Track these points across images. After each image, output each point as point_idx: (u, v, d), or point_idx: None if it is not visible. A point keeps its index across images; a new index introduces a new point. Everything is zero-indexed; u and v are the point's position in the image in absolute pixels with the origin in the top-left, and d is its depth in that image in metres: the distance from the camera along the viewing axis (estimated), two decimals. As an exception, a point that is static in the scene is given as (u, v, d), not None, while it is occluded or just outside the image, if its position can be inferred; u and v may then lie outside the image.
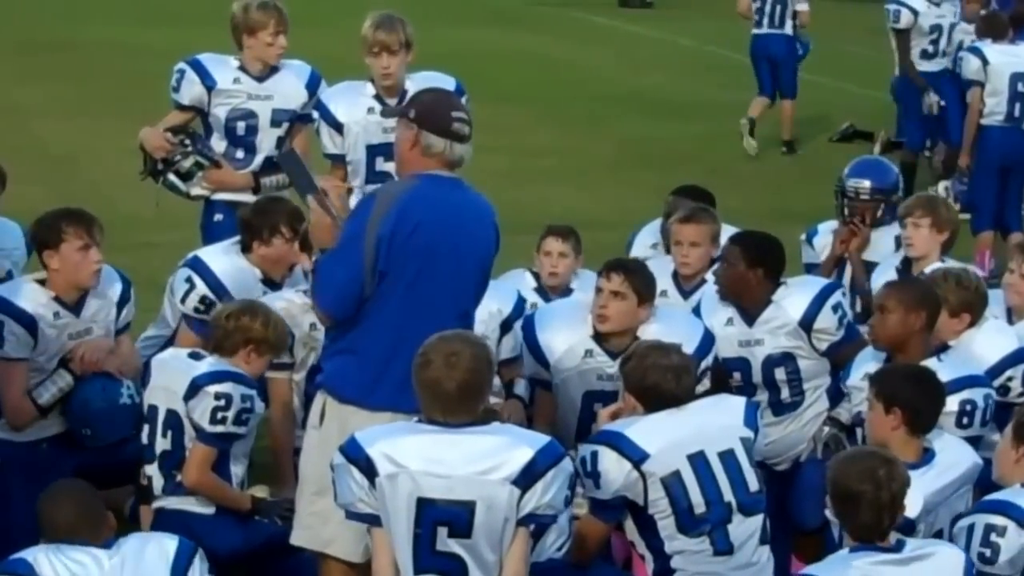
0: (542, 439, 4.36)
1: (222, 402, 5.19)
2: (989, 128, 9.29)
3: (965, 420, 5.24)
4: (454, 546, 4.26)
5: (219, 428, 5.22)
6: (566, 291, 6.30)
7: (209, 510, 5.27)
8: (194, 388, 5.24)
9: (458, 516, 4.25)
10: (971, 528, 4.54)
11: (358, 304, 4.70)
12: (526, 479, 4.25)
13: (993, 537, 4.49)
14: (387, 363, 4.67)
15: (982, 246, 9.23)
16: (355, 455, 4.31)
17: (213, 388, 5.21)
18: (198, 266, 6.00)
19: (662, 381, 4.80)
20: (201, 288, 5.93)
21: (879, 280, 6.38)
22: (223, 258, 6.02)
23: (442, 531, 4.25)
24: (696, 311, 5.92)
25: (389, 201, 4.71)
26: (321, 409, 4.81)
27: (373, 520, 4.33)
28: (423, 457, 4.27)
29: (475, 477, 4.24)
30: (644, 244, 6.66)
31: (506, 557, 4.29)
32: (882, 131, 12.60)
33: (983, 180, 9.42)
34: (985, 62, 9.34)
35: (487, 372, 4.36)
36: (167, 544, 4.27)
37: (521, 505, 4.26)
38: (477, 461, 4.26)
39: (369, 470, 4.28)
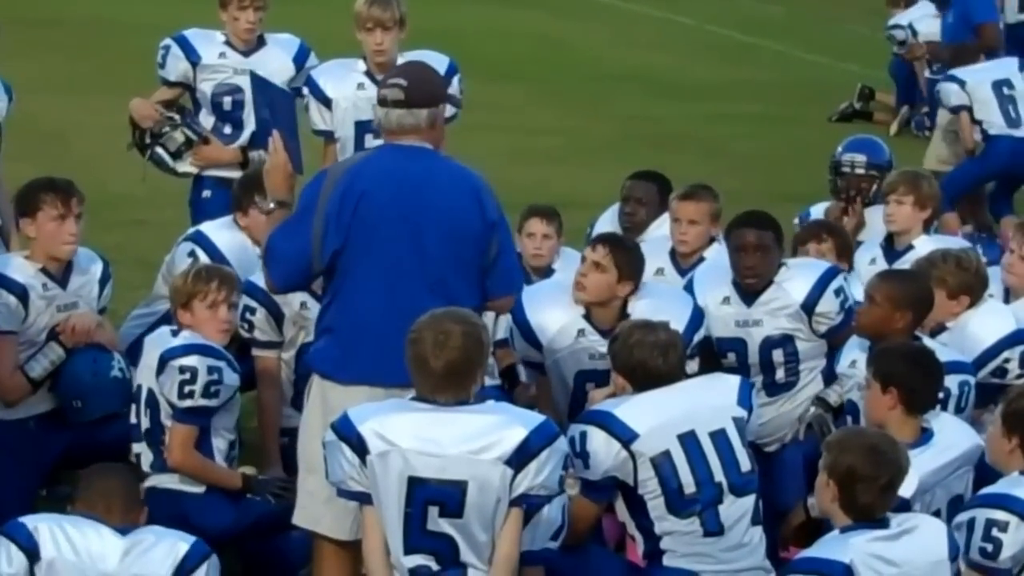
0: (536, 418, 4.31)
1: (187, 375, 5.14)
2: (998, 138, 9.16)
3: (937, 407, 5.14)
4: (445, 526, 4.21)
5: (188, 402, 5.17)
6: (548, 271, 6.26)
7: (199, 489, 5.23)
8: (162, 363, 5.21)
9: (450, 496, 4.20)
10: (972, 523, 4.50)
11: (307, 278, 4.73)
12: (519, 459, 4.20)
13: (995, 532, 4.45)
14: (357, 337, 4.63)
15: (952, 227, 9.15)
16: (346, 432, 4.26)
17: (178, 362, 5.17)
18: (201, 240, 5.98)
19: (648, 358, 4.75)
20: (204, 261, 5.85)
21: (863, 256, 6.39)
22: (225, 233, 6.01)
23: (433, 511, 4.21)
24: (688, 287, 5.86)
25: (336, 177, 4.68)
26: (310, 386, 4.80)
27: (364, 498, 4.28)
28: (415, 436, 4.22)
29: (467, 456, 4.19)
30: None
31: (498, 538, 4.24)
32: (904, 107, 12.40)
33: (972, 177, 9.29)
34: (962, 84, 9.25)
35: (477, 353, 4.29)
36: (180, 545, 4.21)
37: (514, 485, 4.21)
38: (470, 440, 4.21)
39: (360, 448, 4.23)
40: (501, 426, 4.23)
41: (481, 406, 4.30)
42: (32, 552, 4.10)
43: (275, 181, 4.80)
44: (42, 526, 4.14)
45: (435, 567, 4.23)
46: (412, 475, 4.19)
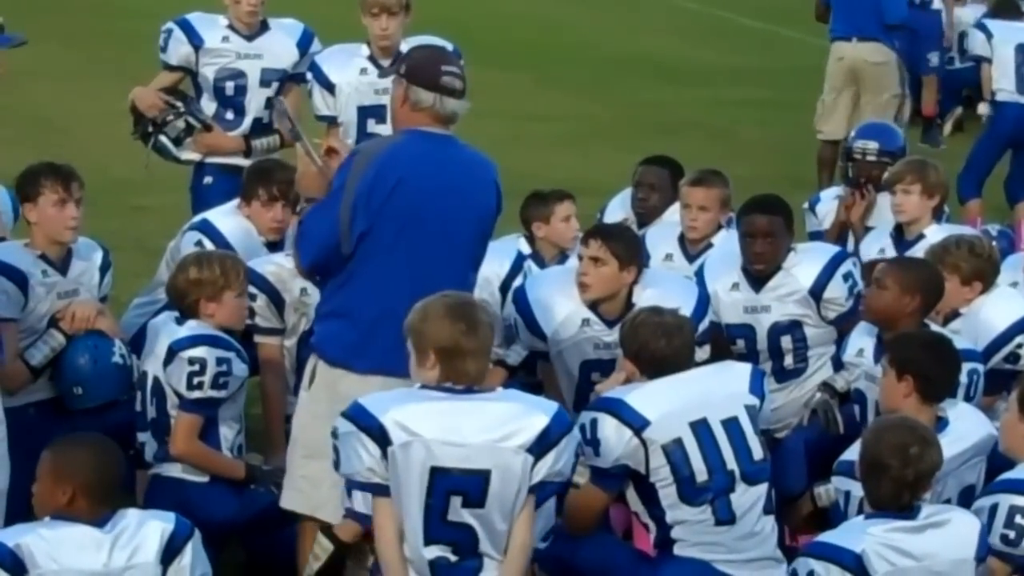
0: (553, 405, 4.26)
1: (196, 367, 5.11)
2: (1005, 104, 9.21)
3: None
4: (467, 516, 4.15)
5: (197, 394, 5.13)
6: (564, 255, 6.22)
7: (203, 478, 5.19)
8: (171, 354, 5.18)
9: (473, 485, 4.13)
10: (994, 508, 4.43)
11: (335, 261, 4.64)
12: (540, 446, 4.15)
13: (1018, 519, 4.39)
14: (376, 325, 4.57)
15: (972, 215, 9.13)
16: (367, 423, 4.16)
17: (187, 353, 5.14)
18: (207, 228, 5.94)
19: (651, 339, 4.70)
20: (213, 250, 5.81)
21: (872, 246, 6.36)
22: (230, 220, 5.98)
23: (455, 501, 4.14)
24: (699, 273, 5.82)
25: (368, 158, 4.62)
26: (312, 371, 4.73)
27: (379, 490, 4.19)
28: (438, 425, 4.14)
29: (491, 445, 4.13)
30: (614, 219, 6.52)
31: (515, 525, 4.18)
32: (959, 108, 12.25)
33: (988, 150, 9.36)
34: (989, 35, 9.27)
35: (491, 337, 4.25)
36: (164, 527, 4.08)
37: (533, 473, 4.16)
38: (493, 429, 4.15)
39: (382, 439, 4.14)
40: (523, 414, 4.17)
41: (498, 394, 4.24)
42: (19, 572, 3.95)
43: (307, 185, 4.77)
44: (23, 542, 3.98)
45: (453, 558, 4.17)
46: (435, 465, 4.12)
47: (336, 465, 4.25)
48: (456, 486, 4.13)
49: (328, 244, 4.59)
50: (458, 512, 4.13)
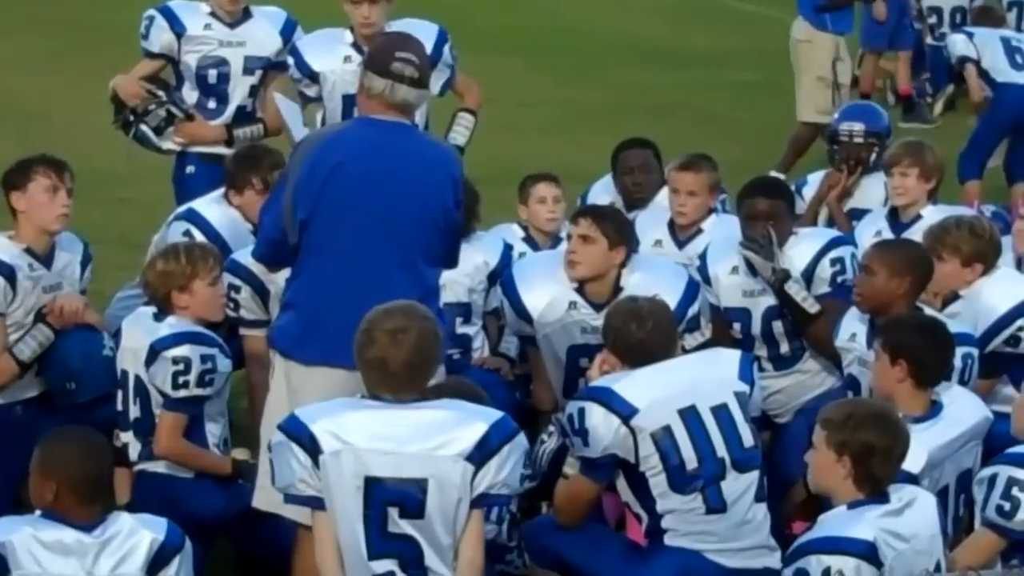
0: (495, 413, 4.15)
1: (181, 366, 5.04)
2: (1004, 86, 9.17)
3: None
4: (407, 528, 4.04)
5: (182, 393, 5.07)
6: (557, 240, 6.17)
7: (189, 473, 5.13)
8: (153, 353, 5.10)
9: (409, 496, 4.03)
10: (993, 479, 4.39)
11: (285, 251, 4.59)
12: (480, 454, 4.04)
13: (1015, 491, 4.34)
14: (320, 315, 4.50)
15: (970, 196, 9.09)
16: (297, 432, 4.07)
17: (171, 352, 5.06)
18: (194, 218, 5.90)
19: (622, 325, 4.64)
20: (200, 240, 5.75)
21: (867, 229, 6.32)
22: (216, 208, 5.93)
23: (393, 512, 4.04)
24: (702, 258, 5.76)
25: (308, 147, 4.57)
26: (273, 365, 4.69)
27: (315, 503, 4.09)
28: (369, 433, 4.04)
29: (426, 453, 4.03)
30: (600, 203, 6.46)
31: (461, 541, 4.07)
32: (951, 86, 12.18)
33: (989, 132, 9.32)
34: (970, 35, 9.30)
35: (436, 348, 4.14)
36: (154, 537, 4.01)
37: (475, 483, 4.05)
38: (427, 436, 4.05)
39: (312, 447, 4.04)
40: (459, 422, 4.07)
41: (437, 402, 4.13)
42: (2, 571, 3.89)
43: None
44: (10, 540, 3.90)
45: (401, 574, 4.06)
46: (368, 475, 4.02)
47: (273, 479, 4.16)
48: (392, 497, 4.02)
49: (275, 236, 4.55)
50: (397, 524, 4.02)
